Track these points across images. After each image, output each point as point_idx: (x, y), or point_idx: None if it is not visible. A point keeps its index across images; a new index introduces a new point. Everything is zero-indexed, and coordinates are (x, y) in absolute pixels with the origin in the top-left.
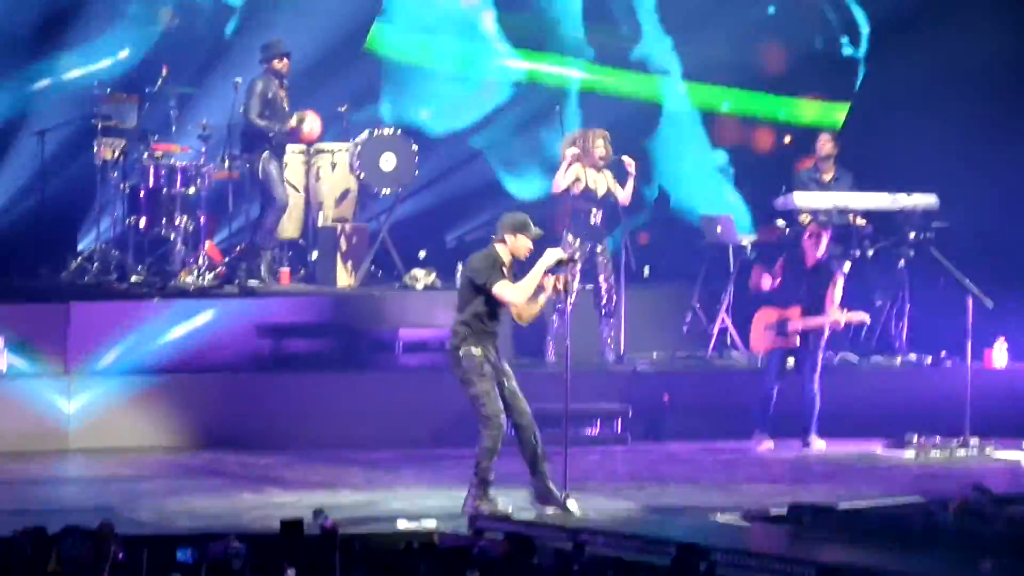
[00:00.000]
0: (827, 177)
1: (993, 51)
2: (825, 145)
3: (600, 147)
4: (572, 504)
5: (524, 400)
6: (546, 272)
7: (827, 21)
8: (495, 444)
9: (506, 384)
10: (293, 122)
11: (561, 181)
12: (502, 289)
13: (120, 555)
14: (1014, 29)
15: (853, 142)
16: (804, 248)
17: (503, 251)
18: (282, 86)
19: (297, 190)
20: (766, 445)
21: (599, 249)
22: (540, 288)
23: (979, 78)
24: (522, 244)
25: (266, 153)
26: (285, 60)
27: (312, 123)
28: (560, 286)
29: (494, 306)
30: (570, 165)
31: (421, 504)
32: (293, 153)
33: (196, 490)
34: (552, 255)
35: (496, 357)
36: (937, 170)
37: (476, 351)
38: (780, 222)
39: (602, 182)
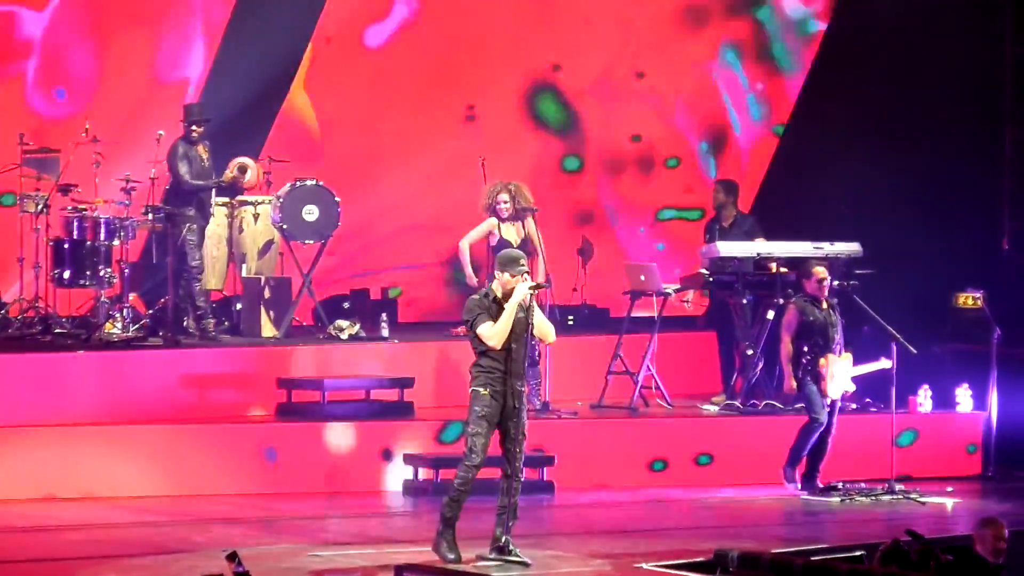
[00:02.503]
0: (726, 223)
1: (916, 99)
2: (717, 196)
3: (504, 202)
4: (515, 554)
5: (517, 449)
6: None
7: None
8: (459, 484)
9: (508, 430)
10: (233, 172)
11: (464, 240)
12: (483, 331)
13: None
14: (936, 76)
15: (777, 190)
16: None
17: (496, 286)
18: (200, 146)
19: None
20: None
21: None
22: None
23: (905, 124)
24: (507, 280)
25: (188, 223)
26: (199, 127)
27: (253, 172)
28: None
29: (507, 343)
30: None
31: (347, 554)
32: (216, 205)
33: (124, 542)
34: (521, 290)
35: (514, 399)
36: (860, 218)
37: (482, 392)
38: (703, 271)
39: (520, 232)
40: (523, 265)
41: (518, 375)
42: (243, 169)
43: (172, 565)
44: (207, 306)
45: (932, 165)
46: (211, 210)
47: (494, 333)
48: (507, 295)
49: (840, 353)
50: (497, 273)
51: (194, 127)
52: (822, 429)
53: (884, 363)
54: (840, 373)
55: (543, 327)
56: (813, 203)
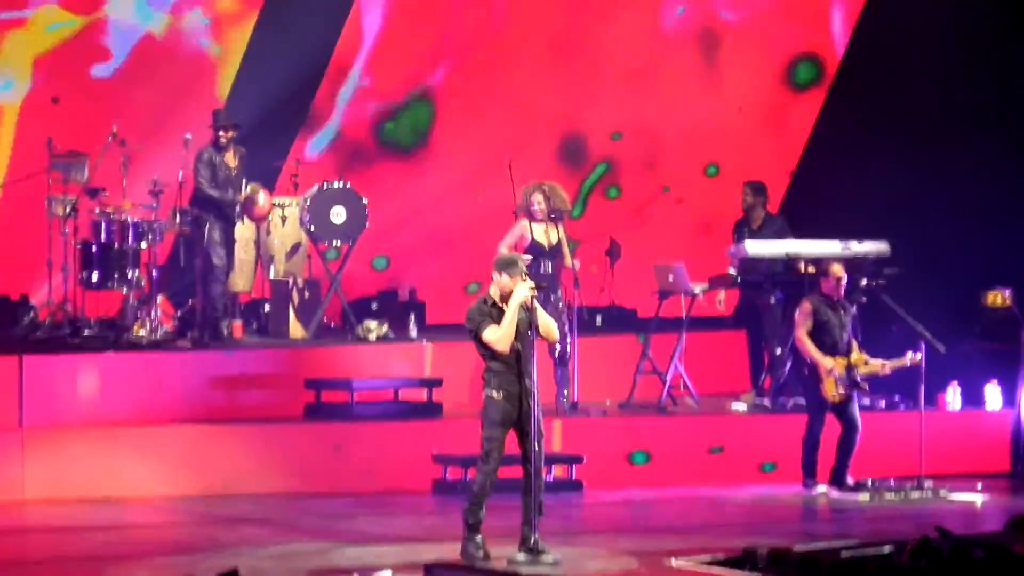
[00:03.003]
0: (755, 226)
1: (946, 97)
2: (746, 198)
3: (539, 202)
4: (547, 555)
5: (536, 447)
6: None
7: None
8: (479, 489)
9: (525, 429)
10: (242, 198)
11: (501, 246)
12: (488, 336)
13: None
14: (965, 78)
15: (805, 189)
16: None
17: (494, 290)
18: (229, 153)
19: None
20: (820, 490)
21: (552, 298)
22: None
23: (933, 124)
24: (506, 283)
25: (210, 221)
26: (228, 132)
27: (263, 201)
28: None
29: (514, 345)
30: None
31: (377, 552)
32: None
33: (153, 541)
34: (521, 291)
35: (528, 399)
36: (888, 216)
37: (496, 395)
38: (731, 270)
39: (551, 234)
40: (521, 267)
41: (529, 375)
42: (253, 194)
43: (201, 564)
44: (224, 310)
45: (961, 163)
46: (238, 213)
47: (500, 337)
48: (506, 298)
49: (848, 353)
50: (495, 276)
51: (221, 133)
52: (849, 430)
53: (912, 357)
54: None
55: (547, 325)
56: (841, 202)
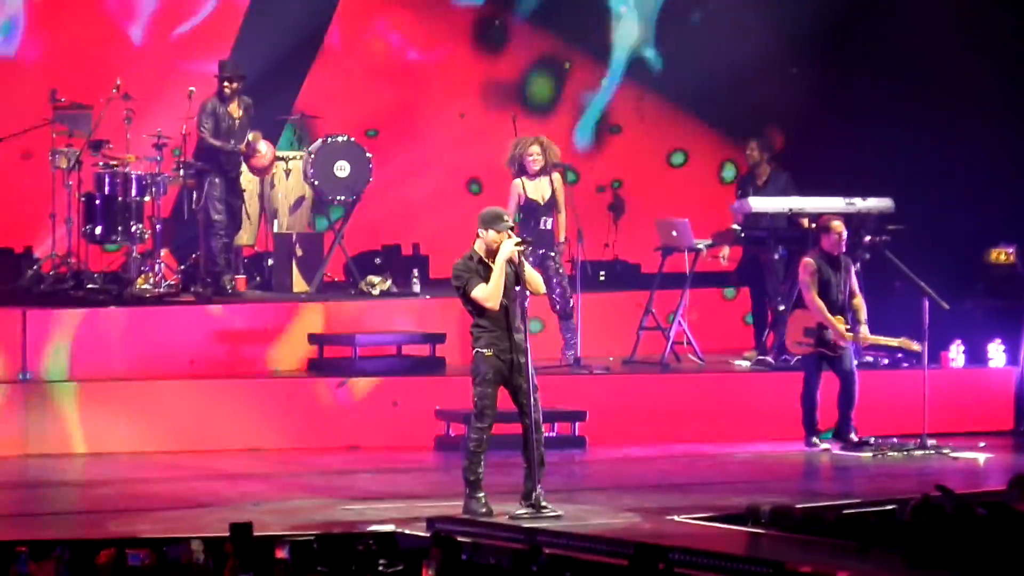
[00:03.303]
0: (760, 181)
1: (949, 56)
2: (752, 153)
3: (535, 154)
4: (549, 510)
5: (532, 402)
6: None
7: None
8: (475, 446)
9: (518, 384)
10: (243, 148)
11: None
12: (477, 294)
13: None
14: (969, 34)
15: (808, 146)
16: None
17: (480, 246)
18: (233, 103)
19: (244, 213)
20: (822, 447)
21: (552, 254)
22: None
23: (937, 82)
24: (492, 238)
25: (211, 175)
26: (232, 83)
27: (265, 150)
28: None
29: (502, 301)
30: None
31: (379, 508)
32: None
33: (156, 496)
34: (507, 247)
35: (518, 354)
36: (893, 173)
37: (486, 352)
38: (735, 227)
39: (546, 189)
40: (507, 221)
41: (519, 329)
42: (255, 142)
43: (203, 518)
44: (226, 263)
45: (965, 120)
46: (239, 166)
47: (489, 294)
48: (492, 253)
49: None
50: (481, 232)
51: (226, 84)
52: (846, 382)
53: (908, 344)
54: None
55: (534, 279)
56: (846, 159)
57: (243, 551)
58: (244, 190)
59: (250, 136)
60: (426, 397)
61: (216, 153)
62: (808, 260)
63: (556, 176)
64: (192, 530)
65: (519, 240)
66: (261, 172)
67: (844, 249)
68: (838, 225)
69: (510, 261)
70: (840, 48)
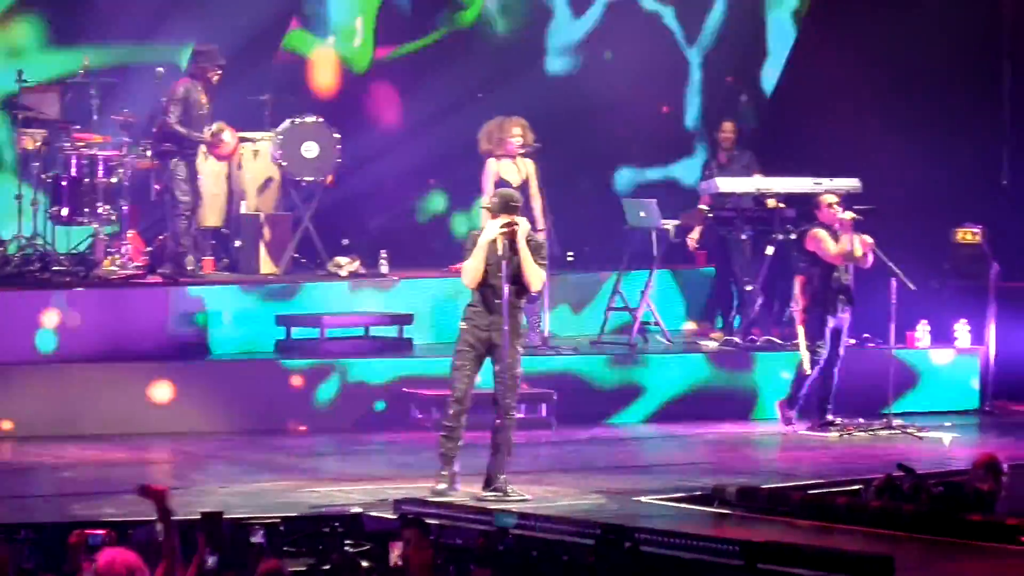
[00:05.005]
0: (724, 160)
1: (916, 34)
2: (729, 135)
3: (517, 135)
4: (512, 490)
5: (506, 384)
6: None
7: None
8: (450, 422)
9: (495, 367)
10: (208, 136)
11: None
12: (463, 268)
13: None
14: (935, 14)
15: (777, 127)
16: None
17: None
18: (206, 93)
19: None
20: (790, 428)
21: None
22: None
23: (903, 62)
24: (497, 220)
25: (176, 158)
26: (217, 72)
27: (229, 139)
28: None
29: (489, 281)
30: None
31: (346, 489)
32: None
33: (121, 479)
34: (491, 229)
35: (498, 335)
36: (859, 153)
37: (464, 325)
38: (703, 207)
39: (521, 171)
40: (515, 203)
41: (499, 312)
42: (220, 131)
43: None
44: (193, 245)
45: (931, 100)
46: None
47: (465, 269)
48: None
49: None
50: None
51: (213, 72)
52: (831, 364)
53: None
54: None
55: (530, 272)
56: (812, 138)
57: (215, 538)
58: (201, 174)
59: (215, 126)
60: (394, 378)
61: (180, 139)
62: (813, 229)
63: (530, 162)
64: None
65: (504, 223)
66: (225, 159)
67: (838, 217)
68: (828, 196)
69: (509, 241)
70: (806, 29)
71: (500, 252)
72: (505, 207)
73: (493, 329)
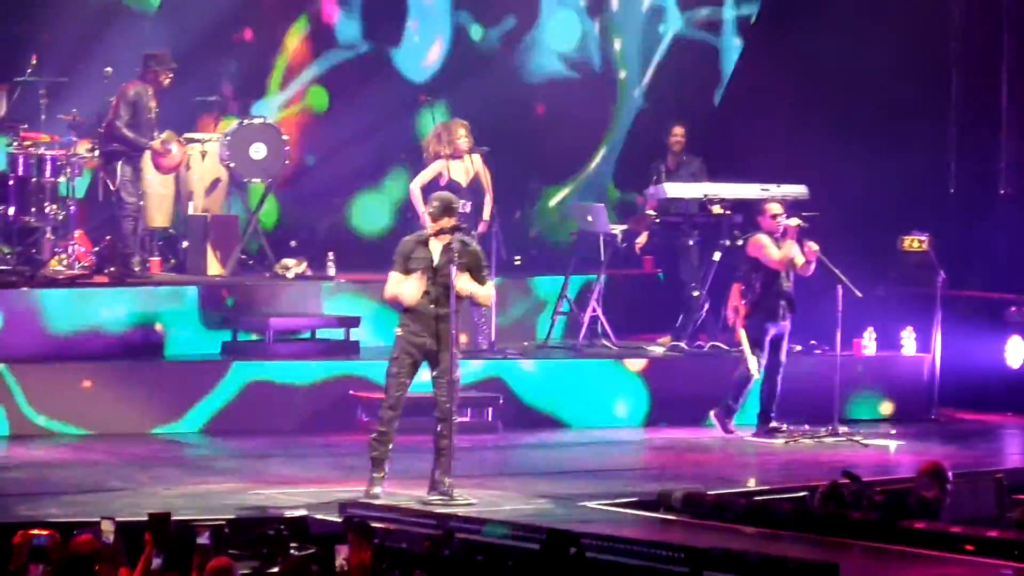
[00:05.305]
0: (672, 166)
1: (863, 44)
2: (680, 140)
3: (462, 137)
4: (458, 494)
5: (444, 389)
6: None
7: None
8: (383, 427)
9: (434, 373)
10: (157, 145)
11: (416, 183)
12: (389, 280)
13: None
14: (882, 24)
15: (722, 134)
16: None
17: (431, 227)
18: (156, 97)
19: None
20: (736, 434)
21: (469, 237)
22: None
23: (849, 69)
24: (444, 223)
25: (122, 159)
26: (169, 75)
27: (176, 151)
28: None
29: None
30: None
31: (292, 492)
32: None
33: (66, 480)
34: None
35: (433, 341)
36: (806, 160)
37: (399, 331)
38: (650, 212)
39: (469, 171)
40: (456, 207)
41: (437, 317)
42: (166, 142)
43: (114, 502)
44: (141, 245)
45: (879, 108)
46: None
47: (402, 295)
48: (438, 231)
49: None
50: (433, 215)
51: (166, 76)
52: (774, 371)
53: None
54: None
55: (480, 299)
56: (760, 146)
57: (163, 539)
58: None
59: (164, 135)
60: (340, 381)
61: (126, 142)
62: (757, 235)
63: (477, 158)
64: (102, 515)
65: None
66: (168, 171)
67: (782, 230)
68: (773, 206)
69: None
70: (753, 36)
71: (437, 262)
72: (445, 210)
73: (428, 335)
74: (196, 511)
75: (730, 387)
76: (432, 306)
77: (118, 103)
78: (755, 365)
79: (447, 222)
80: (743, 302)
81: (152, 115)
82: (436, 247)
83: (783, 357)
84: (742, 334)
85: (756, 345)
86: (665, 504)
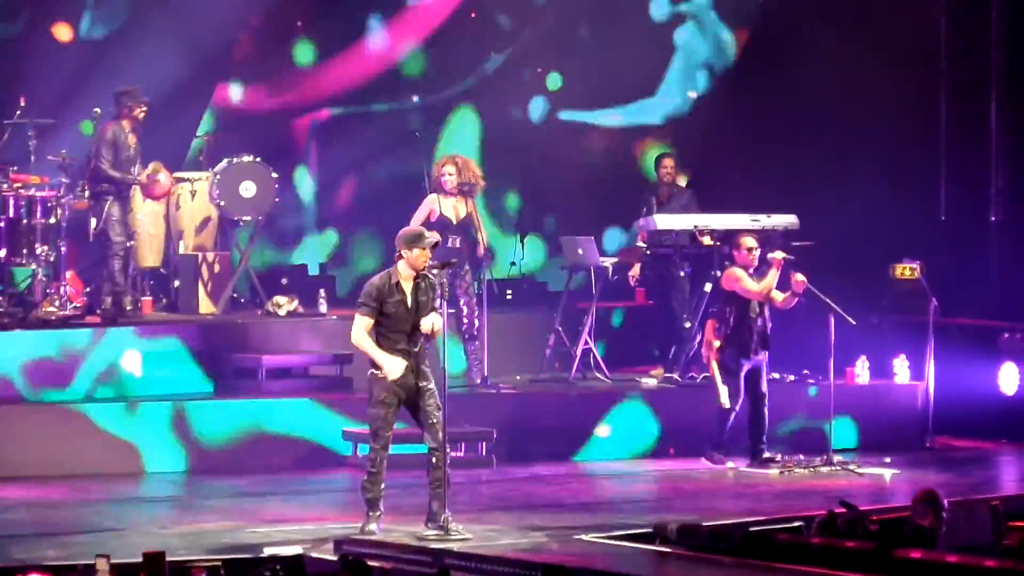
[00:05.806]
0: (664, 198)
1: (853, 71)
2: (670, 172)
3: (449, 174)
4: (454, 528)
5: (435, 423)
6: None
7: None
8: (371, 465)
9: (421, 406)
10: (143, 178)
11: (413, 220)
12: (355, 326)
13: None
14: (871, 53)
15: (712, 164)
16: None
17: (403, 267)
18: (134, 132)
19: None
20: (729, 465)
21: (461, 272)
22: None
23: (840, 99)
24: (418, 256)
25: (110, 199)
26: (142, 108)
27: (164, 180)
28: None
29: (394, 323)
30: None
31: (287, 530)
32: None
33: (62, 520)
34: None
35: (414, 377)
36: (797, 190)
37: (377, 373)
38: (640, 244)
39: (460, 208)
40: (428, 239)
41: (416, 351)
42: (154, 173)
43: (111, 542)
44: (133, 285)
45: (870, 136)
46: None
47: (362, 341)
48: (414, 270)
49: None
50: (405, 252)
51: (138, 110)
52: (758, 404)
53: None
54: None
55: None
56: (751, 176)
57: None
58: (137, 213)
59: (151, 168)
60: (334, 417)
61: (112, 181)
62: (731, 269)
63: (469, 200)
64: (96, 554)
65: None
66: (160, 198)
67: (757, 264)
68: (748, 240)
69: (431, 282)
70: (742, 68)
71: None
72: (415, 240)
73: (413, 373)
74: (191, 551)
75: (712, 425)
76: (409, 344)
77: (99, 145)
78: (726, 396)
79: (421, 254)
80: (715, 336)
81: (131, 151)
82: (407, 287)
83: (764, 389)
84: (714, 366)
85: (731, 376)
86: (661, 536)
